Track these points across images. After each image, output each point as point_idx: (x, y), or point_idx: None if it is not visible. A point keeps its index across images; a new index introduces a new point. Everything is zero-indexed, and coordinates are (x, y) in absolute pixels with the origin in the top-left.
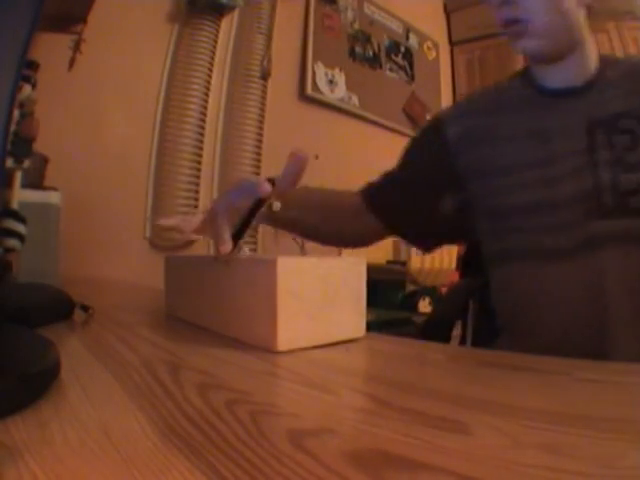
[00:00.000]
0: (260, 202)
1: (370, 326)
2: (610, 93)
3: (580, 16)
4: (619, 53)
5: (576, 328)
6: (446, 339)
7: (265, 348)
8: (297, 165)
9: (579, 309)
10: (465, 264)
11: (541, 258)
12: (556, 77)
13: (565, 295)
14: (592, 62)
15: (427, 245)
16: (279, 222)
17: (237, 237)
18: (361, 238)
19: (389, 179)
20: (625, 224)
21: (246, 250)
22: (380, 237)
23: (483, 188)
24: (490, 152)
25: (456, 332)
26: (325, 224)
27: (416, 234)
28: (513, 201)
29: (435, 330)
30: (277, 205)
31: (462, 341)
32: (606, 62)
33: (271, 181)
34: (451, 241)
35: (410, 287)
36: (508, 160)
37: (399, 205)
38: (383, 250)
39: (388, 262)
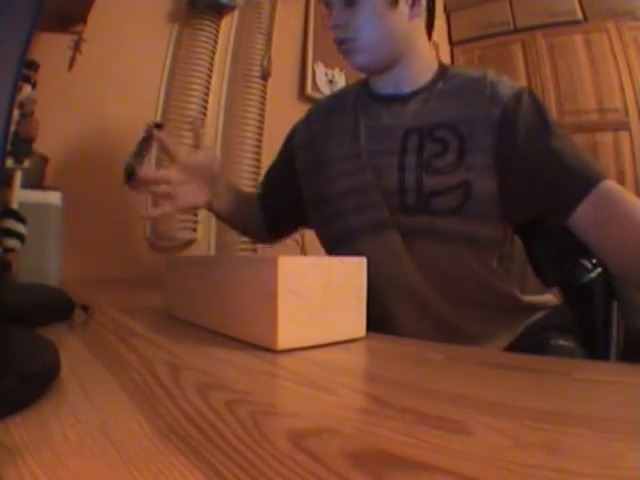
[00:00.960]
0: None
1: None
2: (433, 104)
3: (413, 29)
4: (619, 53)
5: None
6: None
7: (265, 347)
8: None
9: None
10: None
11: (355, 238)
12: (384, 85)
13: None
14: (422, 73)
15: (273, 235)
16: (214, 208)
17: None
18: (264, 234)
19: (266, 178)
20: (427, 221)
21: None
22: (281, 233)
23: (313, 181)
24: (322, 148)
25: None
26: (239, 219)
27: (274, 225)
28: (331, 190)
29: None
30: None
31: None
32: (443, 74)
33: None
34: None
35: None
36: (332, 154)
37: (272, 200)
38: None
39: None
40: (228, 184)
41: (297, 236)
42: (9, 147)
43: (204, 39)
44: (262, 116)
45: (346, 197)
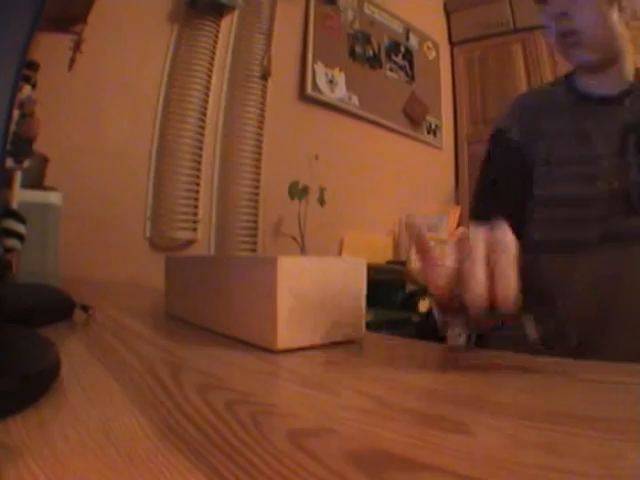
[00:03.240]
0: None
1: (370, 326)
2: None
3: (623, 30)
4: None
5: (583, 318)
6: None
7: (265, 347)
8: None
9: (588, 301)
10: None
11: (569, 250)
12: (597, 85)
13: (582, 286)
14: (630, 73)
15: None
16: None
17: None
18: None
19: (491, 195)
20: None
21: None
22: None
23: (534, 180)
24: (540, 146)
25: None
26: None
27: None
28: (552, 193)
29: (430, 329)
30: None
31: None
32: None
33: None
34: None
35: (410, 287)
36: (552, 155)
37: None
38: (383, 250)
39: (388, 262)
40: None
41: (297, 236)
42: (9, 147)
43: (204, 39)
44: (262, 116)
45: (568, 203)
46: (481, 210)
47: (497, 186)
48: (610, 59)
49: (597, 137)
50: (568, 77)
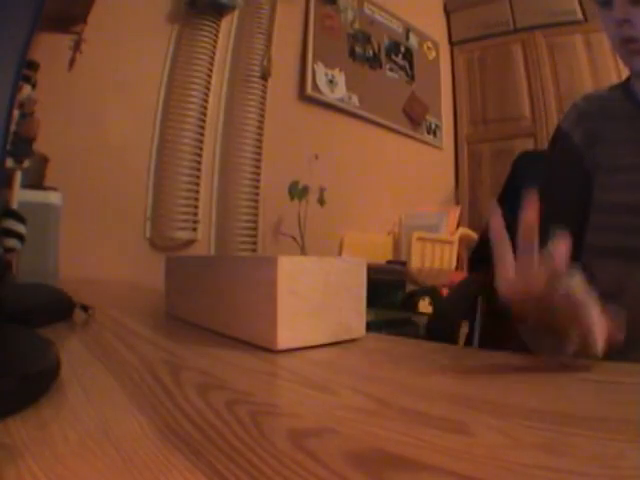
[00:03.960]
0: None
1: (370, 326)
2: None
3: None
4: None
5: None
6: (452, 338)
7: (265, 347)
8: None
9: None
10: (476, 260)
11: (625, 258)
12: None
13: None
14: None
15: None
16: None
17: None
18: None
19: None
20: None
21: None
22: None
23: (594, 183)
24: (603, 152)
25: (464, 330)
26: None
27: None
28: (614, 199)
29: (440, 329)
30: None
31: (468, 341)
32: None
33: None
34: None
35: (410, 287)
36: (615, 161)
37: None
38: (383, 250)
39: (388, 262)
40: None
41: (297, 236)
42: (9, 147)
43: (204, 39)
44: (262, 116)
45: (621, 211)
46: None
47: (561, 192)
48: None
49: None
50: (625, 83)
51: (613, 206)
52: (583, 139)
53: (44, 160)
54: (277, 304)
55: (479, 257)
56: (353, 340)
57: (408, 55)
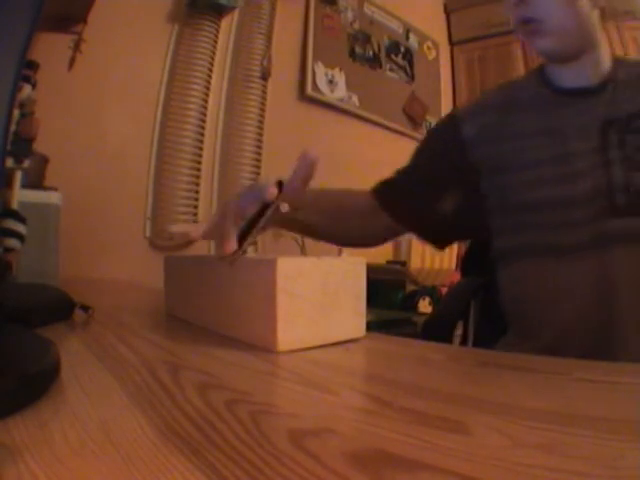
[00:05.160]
0: (267, 206)
1: (370, 326)
2: (623, 93)
3: (594, 17)
4: (619, 53)
5: (584, 326)
6: (447, 339)
7: (265, 348)
8: (306, 167)
9: (588, 307)
10: (467, 263)
11: (553, 255)
12: (571, 77)
13: (575, 292)
14: (606, 63)
15: (439, 242)
16: (287, 224)
17: (242, 238)
18: (374, 238)
19: (402, 176)
20: (636, 223)
21: (249, 251)
22: (394, 235)
23: (499, 184)
24: (507, 148)
25: (458, 332)
26: (335, 225)
27: (429, 231)
28: (529, 197)
29: (436, 330)
30: (285, 207)
31: (463, 341)
32: (619, 63)
33: (279, 183)
34: (462, 238)
35: (410, 287)
36: (525, 157)
37: (412, 202)
38: (383, 250)
39: (388, 262)
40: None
41: (297, 236)
42: (9, 147)
43: (204, 39)
44: (262, 116)
45: (546, 208)
46: (381, 187)
47: (419, 170)
48: (581, 48)
49: (573, 133)
50: (541, 69)
51: (532, 203)
52: (475, 134)
53: (44, 160)
54: (276, 306)
55: (469, 260)
56: (353, 340)
57: (408, 55)
